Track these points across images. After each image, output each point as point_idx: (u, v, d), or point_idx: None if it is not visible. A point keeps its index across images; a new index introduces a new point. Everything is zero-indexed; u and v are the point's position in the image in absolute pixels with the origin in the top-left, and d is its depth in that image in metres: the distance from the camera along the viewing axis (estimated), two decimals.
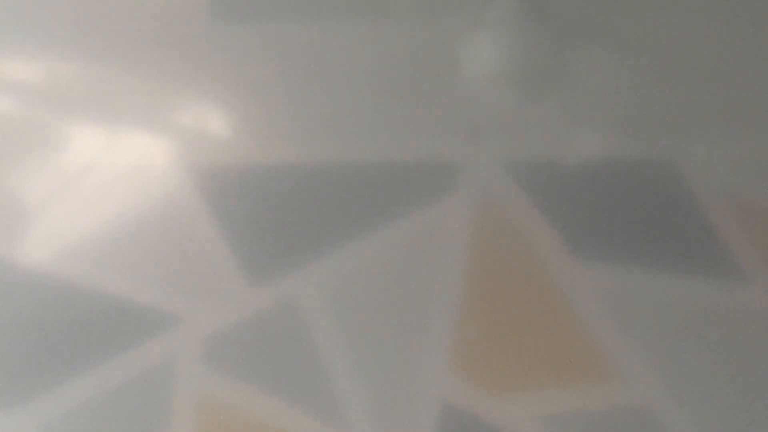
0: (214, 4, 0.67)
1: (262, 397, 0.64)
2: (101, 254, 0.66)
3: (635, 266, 0.64)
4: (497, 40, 0.65)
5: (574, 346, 0.63)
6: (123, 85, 0.67)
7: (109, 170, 0.67)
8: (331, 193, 0.65)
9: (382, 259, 0.65)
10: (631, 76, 0.65)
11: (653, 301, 0.63)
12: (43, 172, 0.67)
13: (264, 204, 0.65)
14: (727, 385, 0.63)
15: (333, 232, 0.65)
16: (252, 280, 0.65)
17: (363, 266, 0.65)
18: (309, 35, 0.66)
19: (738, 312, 0.63)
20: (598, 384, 0.63)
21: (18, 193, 0.67)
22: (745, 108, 0.64)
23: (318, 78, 0.66)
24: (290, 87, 0.66)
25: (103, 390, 0.65)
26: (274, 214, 0.65)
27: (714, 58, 0.65)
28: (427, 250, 0.65)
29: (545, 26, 0.65)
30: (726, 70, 0.65)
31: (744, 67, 0.65)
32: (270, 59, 0.66)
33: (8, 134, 0.68)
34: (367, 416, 0.64)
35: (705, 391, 0.63)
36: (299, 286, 0.65)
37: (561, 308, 0.64)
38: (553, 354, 0.64)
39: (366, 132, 0.66)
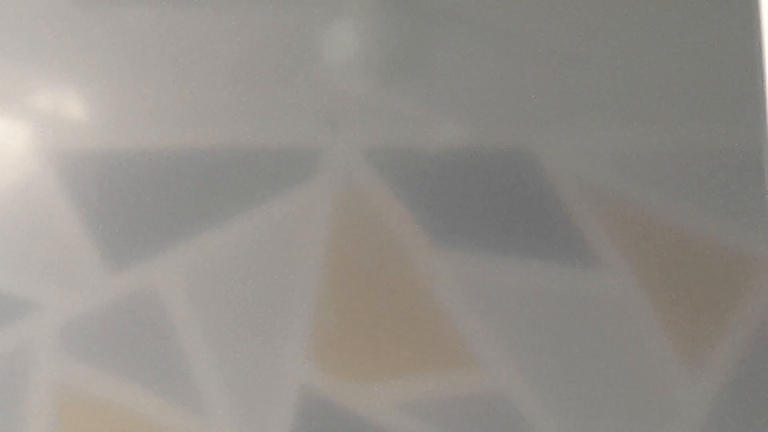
0: None
1: (121, 384, 0.64)
2: None
3: (494, 254, 0.64)
4: (358, 26, 0.65)
5: (434, 334, 0.64)
6: None
7: None
8: (190, 179, 0.65)
9: (242, 246, 0.64)
10: (491, 65, 0.65)
11: (511, 289, 0.64)
12: None
13: (122, 189, 0.65)
14: (582, 372, 0.63)
15: (192, 217, 0.65)
16: (110, 266, 0.65)
17: (222, 252, 0.64)
18: (168, 20, 0.66)
19: (593, 299, 0.64)
20: (457, 371, 0.64)
21: None
22: (602, 98, 0.65)
23: (177, 63, 0.66)
24: (148, 72, 0.66)
25: None
26: (133, 200, 0.65)
27: (571, 49, 0.65)
28: (287, 236, 0.64)
29: (405, 13, 0.65)
30: (583, 60, 0.65)
31: (600, 57, 0.65)
32: (128, 44, 0.66)
33: None
34: (227, 402, 0.64)
35: (561, 378, 0.63)
36: (158, 272, 0.64)
37: (420, 295, 0.64)
38: (412, 341, 0.64)
39: (225, 118, 0.65)
